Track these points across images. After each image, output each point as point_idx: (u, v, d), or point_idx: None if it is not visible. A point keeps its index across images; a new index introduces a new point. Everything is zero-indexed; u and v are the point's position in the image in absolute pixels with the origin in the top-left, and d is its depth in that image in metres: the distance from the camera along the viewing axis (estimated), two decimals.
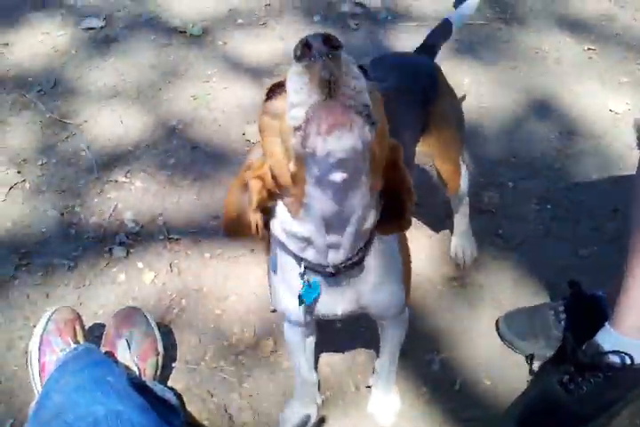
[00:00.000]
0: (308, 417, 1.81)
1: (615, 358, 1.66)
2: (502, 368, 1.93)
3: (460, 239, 2.20)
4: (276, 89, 0.95)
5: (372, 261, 1.25)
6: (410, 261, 1.46)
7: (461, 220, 2.17)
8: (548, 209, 2.36)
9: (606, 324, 1.70)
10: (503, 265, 2.18)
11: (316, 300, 1.30)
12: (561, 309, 1.96)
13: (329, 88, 0.81)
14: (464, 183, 2.03)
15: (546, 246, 2.24)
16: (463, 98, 2.59)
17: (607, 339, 1.68)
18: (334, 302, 1.33)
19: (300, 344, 1.68)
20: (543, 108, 2.76)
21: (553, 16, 3.28)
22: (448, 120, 1.82)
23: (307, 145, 0.84)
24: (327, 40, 0.81)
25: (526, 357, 1.92)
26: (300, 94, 0.83)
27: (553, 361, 1.88)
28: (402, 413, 1.83)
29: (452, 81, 1.88)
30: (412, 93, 1.65)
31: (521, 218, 2.32)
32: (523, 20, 3.26)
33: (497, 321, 2.02)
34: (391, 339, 1.68)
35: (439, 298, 2.09)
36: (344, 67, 0.82)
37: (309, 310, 1.36)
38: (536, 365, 1.91)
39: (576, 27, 3.23)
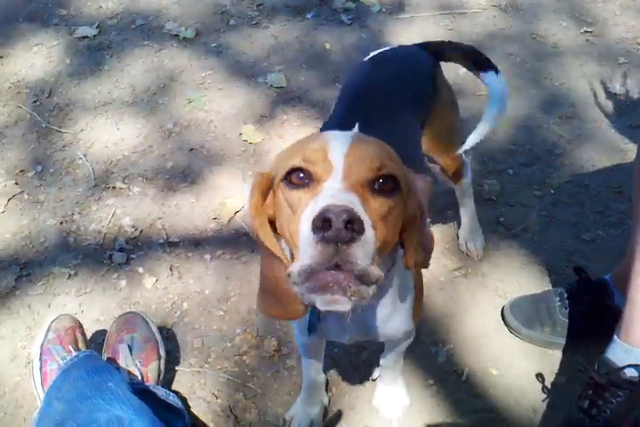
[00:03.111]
0: (315, 416, 1.79)
1: (632, 372, 1.57)
2: (509, 357, 1.90)
3: (468, 232, 2.17)
4: (297, 174, 0.95)
5: (383, 297, 1.23)
6: (422, 286, 1.40)
7: (467, 212, 2.14)
8: (551, 194, 2.33)
9: (614, 337, 1.61)
10: (506, 253, 2.15)
11: (322, 328, 1.30)
12: (566, 295, 1.92)
13: (336, 265, 0.84)
14: (467, 173, 2.01)
15: (549, 232, 2.21)
16: None
17: (619, 353, 1.59)
18: (342, 332, 1.32)
19: (308, 346, 1.66)
20: (541, 94, 2.72)
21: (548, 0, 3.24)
22: (447, 113, 1.80)
23: (305, 298, 0.89)
24: (350, 222, 0.81)
25: (537, 375, 1.83)
26: (309, 259, 0.84)
27: (563, 376, 1.83)
28: (409, 405, 1.81)
29: (448, 70, 1.85)
30: (415, 90, 1.64)
31: (523, 205, 2.29)
32: (518, 5, 3.22)
33: (502, 309, 1.99)
34: (393, 346, 1.64)
35: (442, 289, 2.07)
36: (358, 251, 0.83)
37: (317, 334, 1.35)
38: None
39: (572, 9, 3.18)
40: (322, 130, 1.57)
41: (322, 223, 0.81)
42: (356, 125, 1.38)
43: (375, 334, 1.33)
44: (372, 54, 1.75)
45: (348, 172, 0.92)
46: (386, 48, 1.80)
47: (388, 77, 1.63)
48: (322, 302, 0.88)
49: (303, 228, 0.86)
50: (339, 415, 1.81)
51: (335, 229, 0.81)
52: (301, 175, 0.94)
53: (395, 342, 1.59)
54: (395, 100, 1.56)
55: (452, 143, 1.87)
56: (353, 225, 0.81)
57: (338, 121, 1.51)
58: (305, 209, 0.89)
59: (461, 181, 2.00)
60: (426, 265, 1.11)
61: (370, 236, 0.85)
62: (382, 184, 0.94)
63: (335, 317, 1.26)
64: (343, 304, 0.87)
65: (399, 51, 1.79)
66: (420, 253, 1.05)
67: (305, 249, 0.85)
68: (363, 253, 0.84)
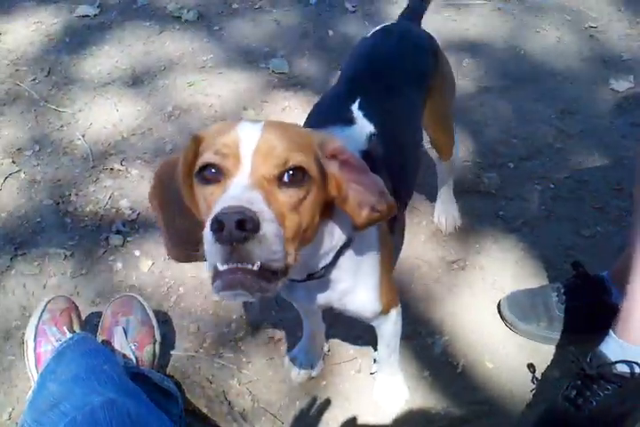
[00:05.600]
0: (316, 360, 1.84)
1: (624, 368, 1.57)
2: (504, 350, 1.90)
3: (443, 205, 2.20)
4: (209, 169, 0.97)
5: (341, 270, 1.23)
6: (389, 261, 1.39)
7: (446, 187, 2.18)
8: (551, 189, 2.32)
9: (610, 332, 1.61)
10: (504, 247, 2.15)
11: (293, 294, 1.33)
12: (563, 290, 1.92)
13: (235, 261, 0.87)
14: (456, 150, 2.04)
15: (548, 227, 2.20)
16: None
17: (613, 348, 1.59)
18: (309, 298, 1.33)
19: (299, 308, 1.72)
20: (544, 88, 2.71)
21: None
22: (446, 91, 1.83)
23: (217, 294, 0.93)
24: (241, 224, 0.84)
25: (528, 365, 1.83)
26: (211, 257, 0.89)
27: (556, 370, 1.83)
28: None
29: (452, 61, 1.84)
30: (417, 68, 1.64)
31: (522, 199, 2.29)
32: None
33: (499, 303, 1.99)
34: (381, 336, 1.64)
35: (439, 281, 2.06)
36: (255, 248, 0.86)
37: (291, 297, 1.38)
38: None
39: (577, 4, 3.17)
40: (319, 103, 1.60)
41: (217, 225, 0.85)
42: (357, 101, 1.41)
43: (339, 305, 1.35)
44: (373, 30, 1.76)
45: (255, 167, 0.95)
46: (387, 24, 1.80)
47: (391, 52, 1.64)
48: (229, 297, 0.92)
49: (206, 229, 0.89)
50: (334, 405, 1.80)
51: (227, 231, 0.84)
52: (213, 170, 0.97)
53: (376, 324, 1.56)
54: (397, 74, 1.57)
55: (447, 120, 1.91)
56: (246, 225, 0.84)
57: (339, 94, 1.53)
58: (215, 206, 0.92)
59: (450, 158, 2.03)
60: (385, 216, 1.07)
61: (270, 231, 0.87)
62: (291, 176, 0.96)
63: (301, 286, 1.29)
64: (248, 298, 0.91)
65: (401, 27, 1.79)
66: (367, 211, 1.05)
67: (207, 247, 0.89)
68: (261, 249, 0.87)
